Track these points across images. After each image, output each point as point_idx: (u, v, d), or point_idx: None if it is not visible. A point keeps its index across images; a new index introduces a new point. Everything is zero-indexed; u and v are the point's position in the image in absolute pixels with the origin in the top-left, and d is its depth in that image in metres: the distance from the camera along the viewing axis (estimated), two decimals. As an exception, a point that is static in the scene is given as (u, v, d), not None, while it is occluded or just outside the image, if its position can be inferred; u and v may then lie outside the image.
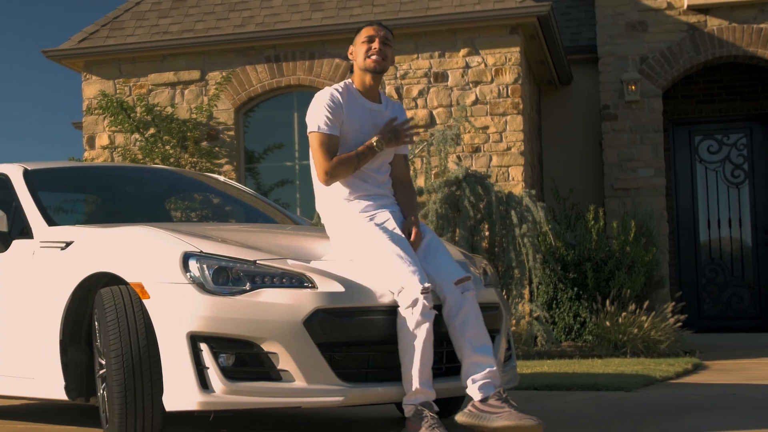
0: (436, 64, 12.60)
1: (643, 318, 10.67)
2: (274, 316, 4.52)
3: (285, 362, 4.51)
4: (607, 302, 11.01)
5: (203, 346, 4.52)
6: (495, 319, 5.25)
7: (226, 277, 4.63)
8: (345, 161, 5.12)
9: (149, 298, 4.66)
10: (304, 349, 4.53)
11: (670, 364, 9.12)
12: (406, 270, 4.80)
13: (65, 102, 32.43)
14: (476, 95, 12.49)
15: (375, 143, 5.14)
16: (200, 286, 4.59)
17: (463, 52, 12.54)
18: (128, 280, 4.78)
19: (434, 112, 12.58)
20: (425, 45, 12.67)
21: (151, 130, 13.19)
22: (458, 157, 12.26)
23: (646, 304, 11.03)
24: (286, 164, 13.39)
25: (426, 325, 4.70)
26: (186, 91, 13.40)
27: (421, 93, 12.59)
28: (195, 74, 13.38)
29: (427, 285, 4.75)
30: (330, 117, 5.13)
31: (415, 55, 12.63)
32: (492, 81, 12.45)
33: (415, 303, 4.70)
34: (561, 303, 11.70)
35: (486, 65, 12.47)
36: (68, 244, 5.29)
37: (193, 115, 13.24)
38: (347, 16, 12.85)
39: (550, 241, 11.44)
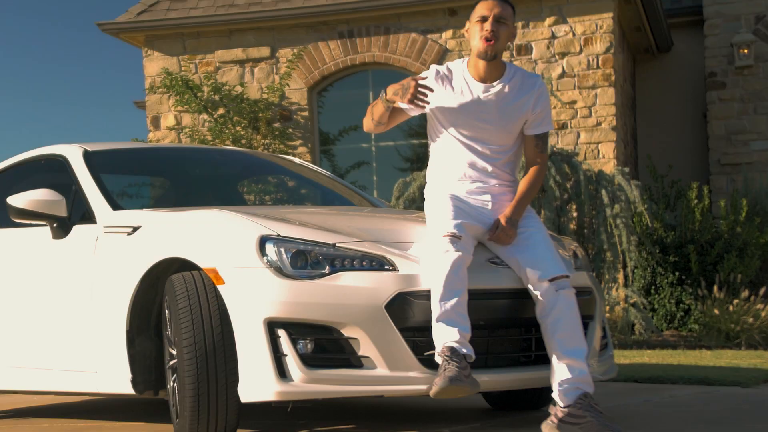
0: (520, 35, 12.52)
1: (760, 306, 10.44)
2: (355, 300, 4.54)
3: (366, 348, 4.52)
4: (715, 288, 10.84)
5: (281, 333, 4.53)
6: (588, 305, 5.18)
7: (304, 261, 4.65)
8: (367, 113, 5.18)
9: (224, 283, 4.69)
10: (385, 335, 4.53)
11: (793, 358, 8.93)
12: (442, 221, 4.79)
13: (126, 79, 32.36)
14: (563, 67, 12.41)
15: (381, 92, 5.06)
16: (278, 270, 4.61)
17: (549, 21, 12.46)
18: (201, 265, 4.80)
19: (520, 86, 12.49)
20: (509, 14, 12.58)
21: (221, 111, 13.28)
22: (545, 134, 12.19)
23: (762, 290, 10.83)
24: (362, 146, 13.43)
25: (452, 255, 4.61)
26: (256, 69, 13.47)
27: (505, 66, 12.50)
28: (265, 51, 13.44)
29: (453, 231, 4.69)
30: None
31: (498, 26, 12.53)
32: (581, 51, 12.36)
33: (441, 248, 4.65)
34: (660, 288, 11.59)
35: (574, 34, 12.37)
36: (135, 228, 5.31)
37: (264, 95, 13.32)
38: (425, -15, 12.83)
39: (647, 221, 11.28)
